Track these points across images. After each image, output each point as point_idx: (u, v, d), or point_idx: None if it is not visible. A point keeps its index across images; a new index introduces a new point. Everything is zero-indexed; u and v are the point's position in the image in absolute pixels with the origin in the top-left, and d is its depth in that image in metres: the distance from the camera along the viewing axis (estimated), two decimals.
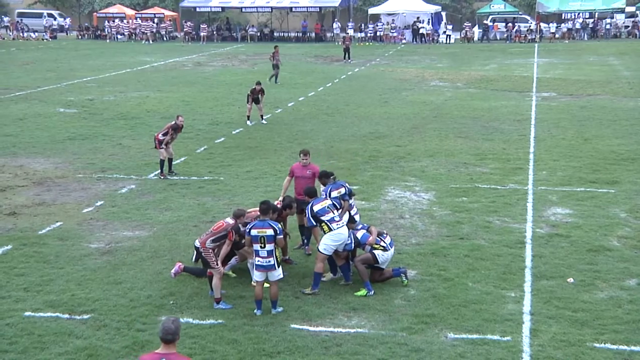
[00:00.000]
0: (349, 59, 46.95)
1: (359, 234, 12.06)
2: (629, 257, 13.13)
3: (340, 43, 60.19)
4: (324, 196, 12.41)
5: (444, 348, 9.89)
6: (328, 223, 11.78)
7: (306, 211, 12.09)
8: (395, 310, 11.11)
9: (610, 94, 32.06)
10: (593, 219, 15.21)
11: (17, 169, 19.87)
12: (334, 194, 12.53)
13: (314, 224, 12.02)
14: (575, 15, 63.02)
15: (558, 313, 10.91)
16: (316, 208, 11.91)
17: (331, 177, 12.92)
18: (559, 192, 17.22)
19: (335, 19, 66.21)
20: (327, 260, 12.04)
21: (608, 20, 62.35)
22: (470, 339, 10.13)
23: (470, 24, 63.92)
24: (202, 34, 64.05)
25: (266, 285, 11.42)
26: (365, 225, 12.57)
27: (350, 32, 62.59)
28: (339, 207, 12.31)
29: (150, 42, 63.72)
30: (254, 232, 11.00)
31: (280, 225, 11.34)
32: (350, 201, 12.84)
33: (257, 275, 11.13)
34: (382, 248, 11.93)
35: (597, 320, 10.65)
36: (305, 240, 13.55)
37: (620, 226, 14.81)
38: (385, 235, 12.28)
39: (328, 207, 11.96)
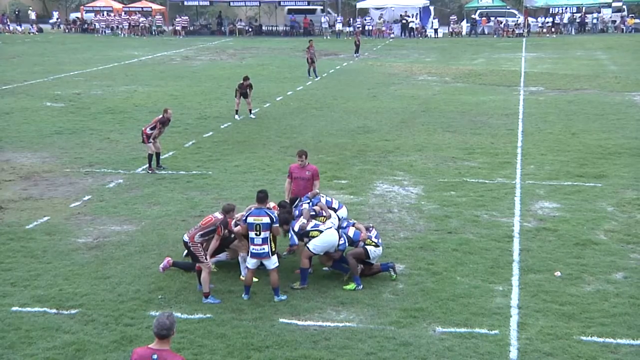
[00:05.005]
0: (357, 53, 46.57)
1: (351, 232, 12.08)
2: (616, 251, 13.20)
3: (323, 36, 60.20)
4: (297, 213, 12.53)
5: (432, 342, 9.92)
6: (315, 229, 11.87)
7: (289, 234, 12.14)
8: (383, 304, 11.13)
9: (597, 88, 32.20)
10: (580, 213, 15.28)
11: (3, 164, 19.75)
12: (305, 206, 12.64)
13: (297, 242, 12.12)
14: (562, 9, 63.20)
15: (545, 306, 10.96)
16: (296, 228, 12.00)
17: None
18: (547, 186, 17.29)
19: (324, 14, 66.15)
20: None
21: (595, 15, 62.59)
22: (458, 333, 10.17)
23: (455, 18, 63.92)
24: (177, 27, 63.52)
25: (255, 279, 11.48)
26: (350, 221, 12.57)
27: (340, 26, 62.66)
28: (316, 214, 12.41)
29: (145, 36, 63.41)
30: (250, 219, 11.13)
31: (276, 214, 11.44)
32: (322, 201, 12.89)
33: (250, 263, 11.25)
34: (374, 244, 11.96)
35: (584, 314, 10.71)
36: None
37: (607, 220, 14.89)
38: (371, 230, 12.31)
39: (308, 220, 12.07)
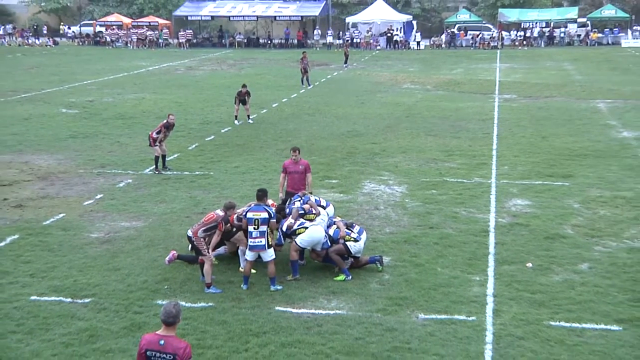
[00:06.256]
0: (346, 64, 46.28)
1: (331, 231, 12.04)
2: (582, 244, 13.24)
3: (311, 48, 60.10)
4: (288, 211, 12.41)
5: (415, 328, 9.93)
6: (301, 227, 11.85)
7: (278, 233, 12.09)
8: (371, 293, 11.13)
9: (565, 96, 32.28)
10: (550, 210, 15.31)
11: (23, 165, 19.67)
12: (297, 204, 12.54)
13: (282, 242, 12.07)
14: (533, 24, 63.42)
15: (518, 295, 10.98)
16: (284, 227, 11.96)
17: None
18: (519, 185, 17.32)
19: (316, 27, 66.13)
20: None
21: (562, 29, 62.85)
22: (439, 319, 10.18)
23: (452, 31, 63.83)
24: (181, 40, 63.63)
25: (253, 271, 11.46)
26: (331, 219, 12.51)
27: (330, 38, 62.67)
28: (305, 213, 12.34)
29: (153, 48, 63.32)
30: (249, 214, 11.18)
31: (274, 210, 11.45)
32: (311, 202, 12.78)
33: (248, 255, 11.27)
34: (353, 239, 11.89)
35: (553, 301, 10.74)
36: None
37: (574, 216, 14.93)
38: (354, 226, 12.27)
39: (295, 219, 12.02)
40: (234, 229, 11.89)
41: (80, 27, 73.31)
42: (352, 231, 12.07)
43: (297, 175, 13.68)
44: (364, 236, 12.17)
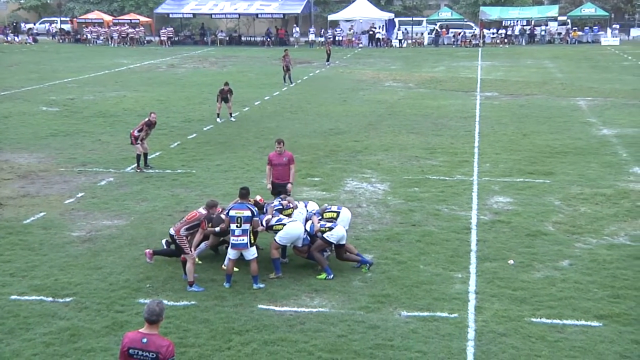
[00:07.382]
0: (328, 61, 46.44)
1: (307, 226, 12.06)
2: (562, 241, 13.34)
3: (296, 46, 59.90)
4: (265, 209, 12.47)
5: (398, 325, 9.96)
6: (279, 223, 11.85)
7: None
8: (353, 291, 11.14)
9: (545, 93, 32.49)
10: (531, 207, 15.42)
11: (2, 163, 19.47)
12: (275, 203, 12.63)
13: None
14: (514, 22, 63.84)
15: (500, 292, 11.05)
16: (263, 222, 11.95)
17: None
18: (501, 182, 17.42)
19: (295, 25, 66.01)
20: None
21: (543, 27, 63.32)
22: (421, 316, 10.21)
23: (442, 30, 63.85)
24: (163, 38, 63.42)
25: (236, 269, 11.43)
26: (310, 213, 12.48)
27: (312, 36, 62.62)
28: (283, 208, 12.42)
29: (134, 46, 62.92)
30: (232, 212, 11.14)
31: (256, 209, 11.43)
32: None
33: (231, 254, 11.24)
34: (327, 229, 11.86)
35: (534, 298, 10.82)
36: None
37: (554, 213, 15.04)
38: (329, 207, 12.31)
39: (272, 215, 12.10)
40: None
41: (41, 23, 73.40)
42: (326, 213, 12.09)
43: (281, 167, 13.93)
44: (343, 215, 12.12)
